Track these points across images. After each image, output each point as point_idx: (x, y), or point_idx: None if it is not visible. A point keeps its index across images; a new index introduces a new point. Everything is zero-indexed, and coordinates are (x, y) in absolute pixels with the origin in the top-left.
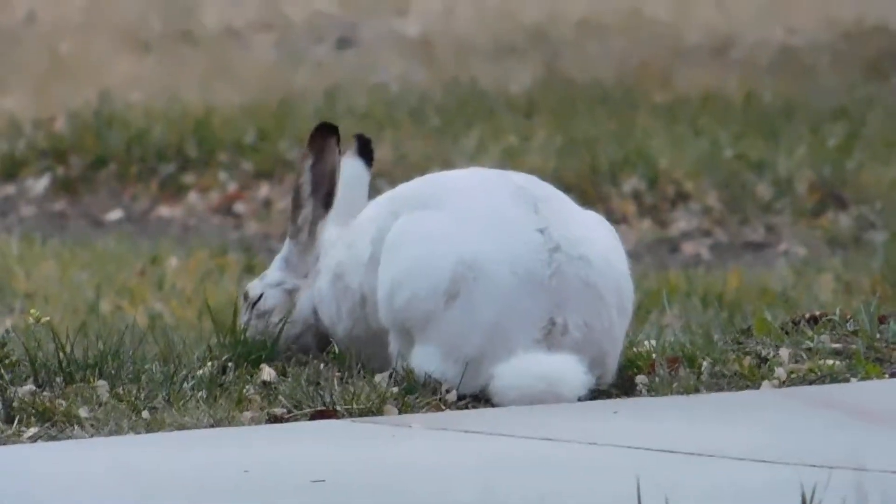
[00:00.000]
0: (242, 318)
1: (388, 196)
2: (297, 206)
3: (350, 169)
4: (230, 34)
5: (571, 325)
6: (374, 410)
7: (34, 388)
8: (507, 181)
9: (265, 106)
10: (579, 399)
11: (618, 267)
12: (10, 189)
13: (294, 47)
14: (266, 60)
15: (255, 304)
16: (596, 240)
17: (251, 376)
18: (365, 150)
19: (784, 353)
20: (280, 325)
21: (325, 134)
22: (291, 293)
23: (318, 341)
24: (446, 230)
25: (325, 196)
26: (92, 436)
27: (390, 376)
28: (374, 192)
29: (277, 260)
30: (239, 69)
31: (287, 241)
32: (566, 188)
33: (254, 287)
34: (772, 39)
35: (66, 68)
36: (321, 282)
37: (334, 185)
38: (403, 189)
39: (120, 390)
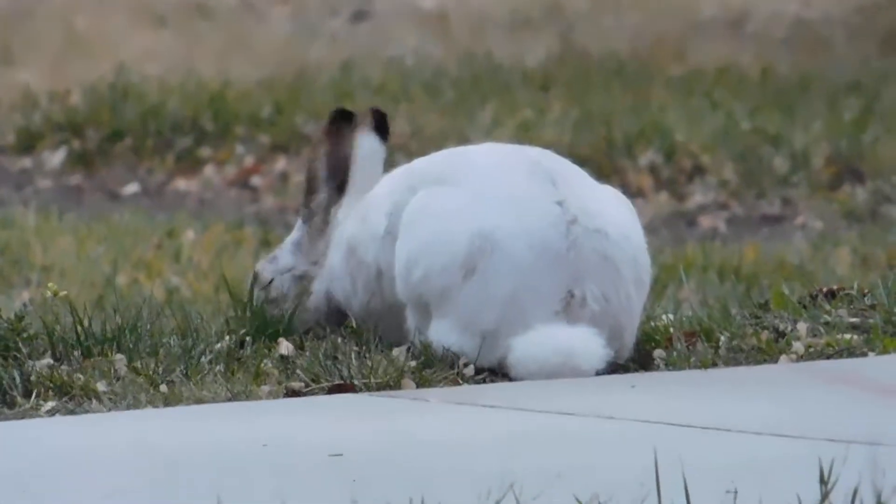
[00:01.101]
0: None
1: (404, 170)
2: (311, 190)
3: (365, 144)
4: (245, 7)
5: (590, 298)
6: (391, 384)
7: (52, 361)
8: (524, 155)
9: (281, 79)
10: (597, 373)
11: (635, 241)
12: (26, 162)
13: (309, 20)
14: (281, 34)
15: (263, 288)
16: (613, 213)
17: (269, 350)
18: (380, 126)
19: (801, 327)
20: (293, 307)
21: (341, 120)
22: (301, 279)
23: (330, 324)
24: (463, 205)
25: (339, 182)
26: (109, 410)
27: (408, 350)
28: (389, 166)
29: (288, 243)
30: (254, 43)
31: (299, 223)
32: (582, 162)
33: (264, 269)
34: (787, 12)
35: (82, 42)
36: (333, 256)
37: (349, 172)
38: (420, 164)
39: (137, 364)
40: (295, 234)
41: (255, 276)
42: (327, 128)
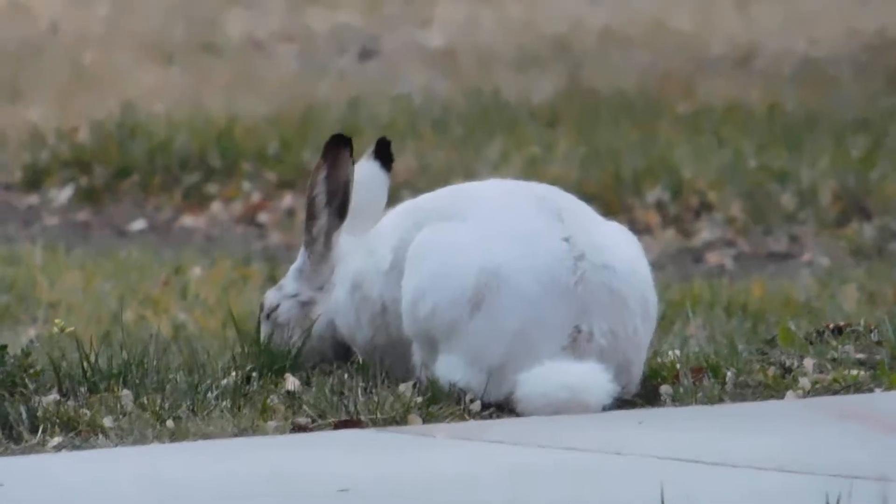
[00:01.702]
0: (263, 330)
1: (410, 206)
2: (311, 216)
3: (366, 171)
4: (253, 45)
5: (597, 333)
6: (398, 420)
7: (58, 397)
8: (530, 191)
9: (288, 116)
10: (604, 408)
11: (642, 276)
12: (33, 199)
13: (317, 58)
14: (289, 71)
15: (269, 314)
16: (620, 249)
17: (275, 386)
18: (382, 153)
19: (808, 363)
20: (301, 339)
21: (338, 145)
22: (306, 305)
23: (336, 353)
24: (470, 240)
25: (339, 206)
26: (116, 445)
27: (414, 386)
28: (396, 201)
29: (292, 270)
30: (262, 80)
31: (302, 251)
32: (589, 198)
33: (270, 297)
34: (794, 50)
35: (89, 79)
36: (338, 291)
37: (348, 196)
38: (425, 200)
39: (144, 400)
40: (298, 262)
41: (262, 305)
42: (325, 152)
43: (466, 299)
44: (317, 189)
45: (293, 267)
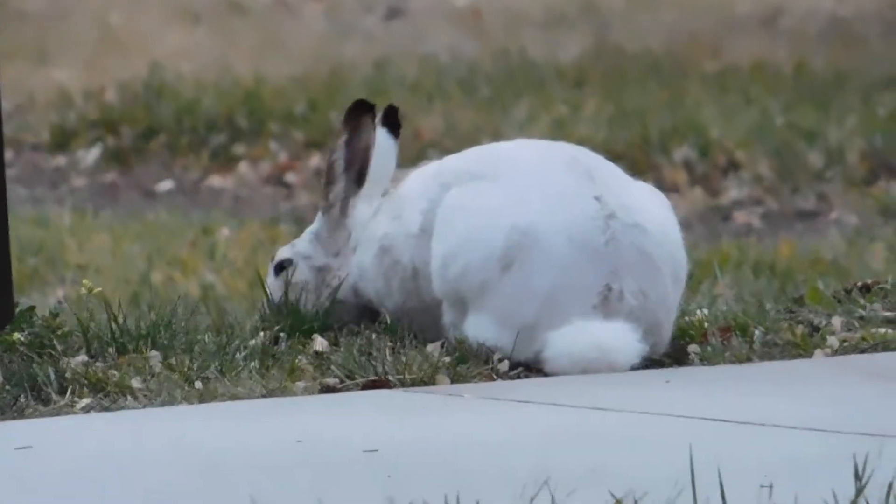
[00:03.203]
0: (267, 281)
1: (436, 168)
2: (329, 181)
3: (378, 138)
4: (280, 5)
5: (627, 292)
6: (426, 380)
7: (87, 358)
8: (559, 151)
9: (315, 77)
10: (632, 368)
11: (672, 236)
12: (61, 160)
13: (344, 18)
14: (316, 31)
15: (279, 268)
16: (650, 209)
17: (303, 346)
18: (390, 120)
19: (836, 321)
20: (328, 300)
21: (361, 111)
22: (321, 271)
23: (356, 318)
24: (500, 200)
25: (357, 173)
26: (144, 406)
27: (442, 346)
28: (422, 161)
29: (308, 233)
30: (289, 40)
31: (319, 215)
32: (617, 158)
33: (282, 251)
34: (821, 8)
35: (117, 40)
36: (362, 256)
37: (368, 163)
38: (452, 161)
39: (172, 361)
40: (315, 225)
41: (273, 258)
42: (347, 118)
43: (497, 259)
44: (336, 154)
45: (309, 230)
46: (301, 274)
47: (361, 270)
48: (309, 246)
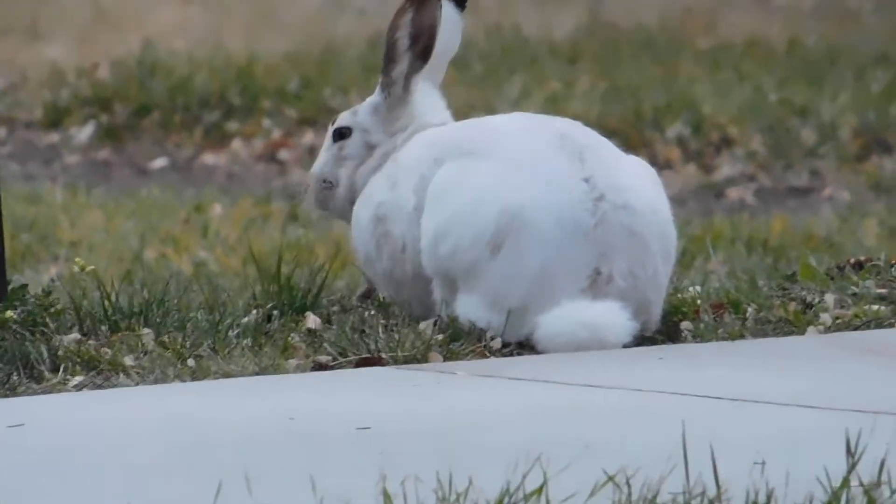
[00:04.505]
0: (323, 155)
1: (431, 139)
2: (390, 59)
3: (445, 12)
4: None
5: (616, 274)
6: (419, 358)
7: (79, 336)
8: (551, 128)
9: (308, 53)
10: (624, 345)
11: (662, 214)
12: (54, 138)
13: None
14: (309, 8)
15: (340, 134)
16: (640, 187)
17: (296, 324)
18: None
19: (829, 298)
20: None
21: None
22: (372, 148)
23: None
24: (490, 179)
25: (422, 50)
26: (137, 384)
27: (435, 323)
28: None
29: (368, 104)
30: (282, 17)
31: (378, 90)
32: (610, 134)
33: (344, 116)
34: None
35: (109, 17)
36: (360, 213)
37: (433, 40)
38: (446, 134)
39: (165, 338)
40: (374, 98)
41: (334, 122)
42: None
43: (486, 241)
44: (399, 32)
45: (369, 100)
46: (353, 148)
47: (359, 230)
48: (369, 118)
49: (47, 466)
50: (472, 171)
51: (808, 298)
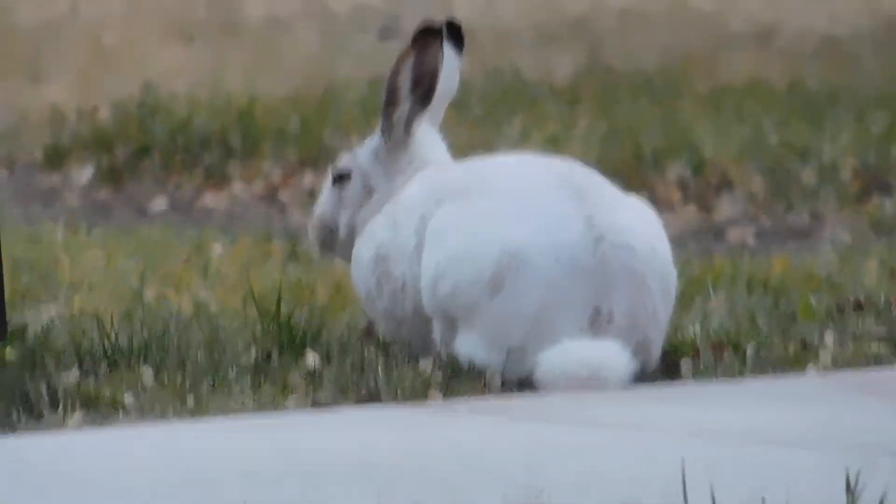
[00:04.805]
0: (323, 198)
1: (430, 181)
2: (391, 103)
3: (445, 57)
4: (274, 23)
5: (617, 314)
6: (418, 396)
7: (79, 375)
8: (551, 168)
9: (309, 95)
10: (623, 385)
11: (662, 254)
12: (54, 179)
13: (337, 37)
14: (309, 50)
15: (339, 177)
16: (640, 227)
17: (296, 362)
18: (453, 36)
19: (829, 338)
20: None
21: (428, 34)
22: (372, 191)
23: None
24: (490, 219)
25: (424, 94)
26: (136, 422)
27: (434, 362)
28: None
29: (368, 147)
30: (282, 58)
31: (377, 132)
32: (610, 175)
33: (344, 160)
34: (815, 27)
35: (110, 58)
36: (362, 250)
37: (434, 84)
38: (446, 174)
39: (164, 377)
40: (375, 141)
41: (334, 168)
42: (414, 41)
43: (486, 280)
44: (401, 76)
45: (368, 143)
46: (353, 191)
47: (360, 266)
48: (369, 161)
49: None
50: (472, 211)
51: (809, 338)
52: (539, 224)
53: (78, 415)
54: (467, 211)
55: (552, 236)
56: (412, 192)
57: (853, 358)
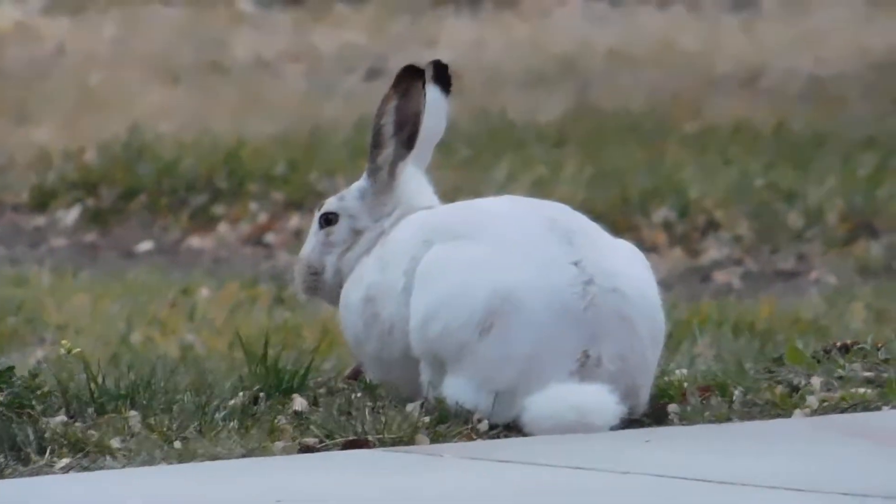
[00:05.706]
0: (310, 241)
1: (420, 223)
2: (376, 145)
3: (429, 96)
4: (260, 65)
5: (605, 358)
6: (405, 440)
7: (66, 418)
8: (540, 211)
9: (295, 137)
10: (611, 428)
11: (651, 298)
12: (40, 220)
13: (324, 78)
14: (296, 91)
15: (326, 220)
16: (629, 272)
17: (283, 406)
18: (440, 77)
19: (816, 381)
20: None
21: (411, 76)
22: (358, 234)
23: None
24: (480, 261)
25: (408, 136)
26: (124, 466)
27: (421, 405)
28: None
29: (356, 189)
30: (269, 100)
31: (364, 176)
32: (596, 218)
33: (331, 202)
34: (801, 69)
35: (96, 100)
36: (351, 294)
37: (418, 127)
38: (436, 216)
39: (152, 421)
40: (361, 183)
41: (321, 207)
42: (396, 83)
43: (476, 323)
44: (385, 118)
45: (355, 185)
46: (340, 233)
47: (347, 299)
48: (355, 204)
49: None
50: (461, 253)
51: (795, 381)
52: (529, 267)
53: (65, 459)
54: (457, 253)
55: (542, 280)
56: (401, 234)
57: (840, 401)
